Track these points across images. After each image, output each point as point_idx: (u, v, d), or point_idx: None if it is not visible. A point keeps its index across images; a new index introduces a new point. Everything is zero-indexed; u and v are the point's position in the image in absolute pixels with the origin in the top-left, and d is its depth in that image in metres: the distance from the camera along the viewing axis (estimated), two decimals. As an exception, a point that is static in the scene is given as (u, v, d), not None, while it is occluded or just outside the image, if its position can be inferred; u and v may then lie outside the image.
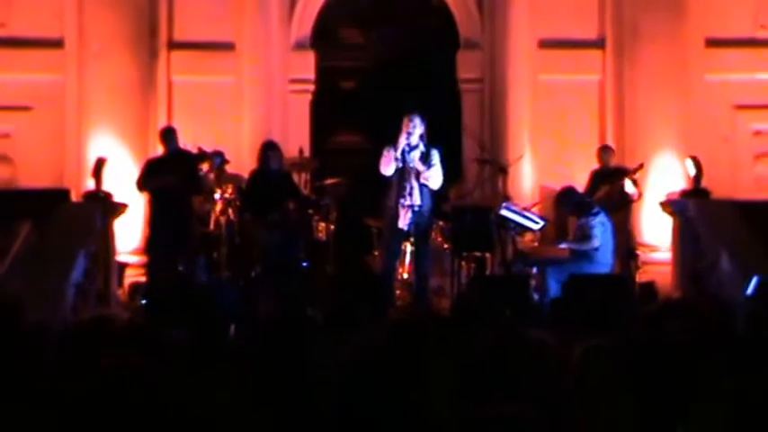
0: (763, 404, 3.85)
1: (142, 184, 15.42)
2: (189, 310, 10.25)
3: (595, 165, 16.69)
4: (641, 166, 16.32)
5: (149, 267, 15.53)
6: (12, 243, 14.59)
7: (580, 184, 16.05)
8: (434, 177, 13.67)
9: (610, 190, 15.95)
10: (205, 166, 15.58)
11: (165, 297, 12.42)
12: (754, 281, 12.55)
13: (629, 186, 16.09)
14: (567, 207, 15.27)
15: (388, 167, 13.65)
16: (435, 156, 13.73)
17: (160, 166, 15.37)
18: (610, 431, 4.19)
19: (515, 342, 5.08)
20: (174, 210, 15.13)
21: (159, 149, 16.05)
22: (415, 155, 13.64)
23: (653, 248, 16.57)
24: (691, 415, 4.14)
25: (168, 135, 15.70)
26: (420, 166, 13.62)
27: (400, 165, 13.61)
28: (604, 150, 16.77)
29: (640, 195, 16.30)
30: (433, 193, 13.90)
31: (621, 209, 15.93)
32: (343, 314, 8.00)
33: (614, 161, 16.63)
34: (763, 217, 15.61)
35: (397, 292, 14.58)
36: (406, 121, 13.71)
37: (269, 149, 15.20)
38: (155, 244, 15.45)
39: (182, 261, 15.29)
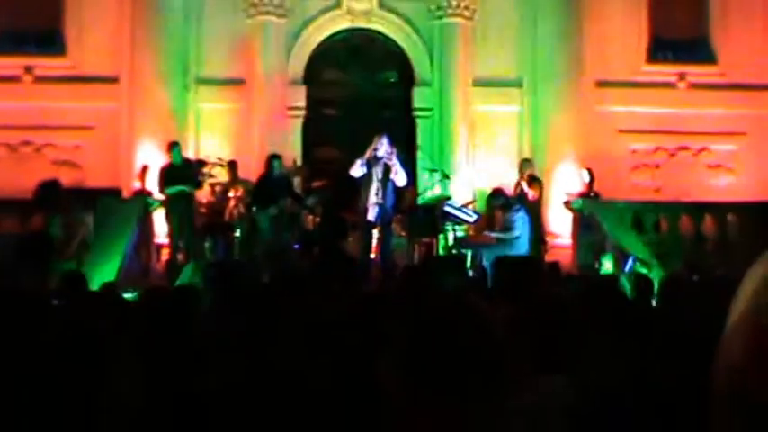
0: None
1: (163, 187, 15.23)
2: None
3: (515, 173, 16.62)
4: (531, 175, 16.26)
5: (170, 249, 15.35)
6: (80, 228, 14.62)
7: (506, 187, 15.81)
8: (401, 177, 13.65)
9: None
10: (207, 168, 15.54)
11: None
12: (630, 260, 12.78)
13: (525, 187, 15.97)
14: (498, 204, 14.96)
15: (355, 172, 13.67)
16: (396, 162, 13.69)
17: (172, 172, 15.14)
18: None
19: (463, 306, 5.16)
20: (182, 205, 15.02)
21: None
22: (379, 164, 13.61)
23: (557, 236, 16.54)
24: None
25: (174, 148, 15.49)
26: (380, 176, 13.60)
27: (366, 171, 13.61)
28: (524, 162, 16.63)
29: (535, 196, 16.02)
30: (395, 193, 13.85)
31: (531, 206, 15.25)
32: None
33: (531, 171, 16.41)
34: (639, 213, 15.79)
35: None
36: (375, 138, 13.72)
37: (273, 159, 15.16)
38: (171, 232, 15.30)
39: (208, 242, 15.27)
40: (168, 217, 15.26)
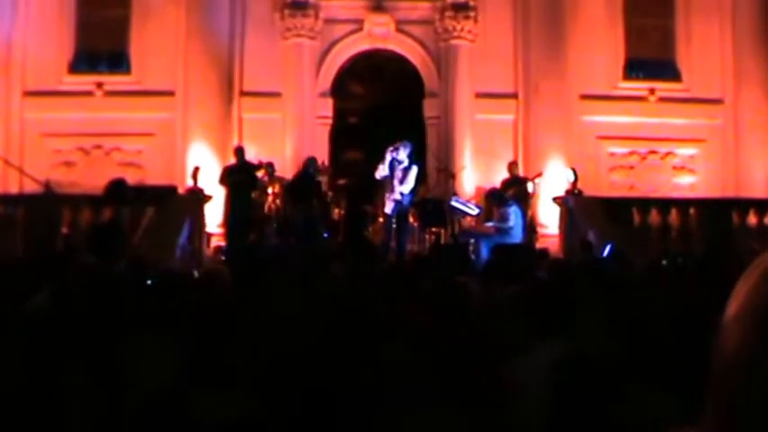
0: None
1: (223, 180, 15.26)
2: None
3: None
4: (540, 174, 16.29)
5: (227, 236, 15.27)
6: (142, 220, 14.59)
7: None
8: (406, 186, 13.34)
9: (517, 190, 15.57)
10: (261, 172, 15.45)
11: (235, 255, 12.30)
12: (608, 247, 12.65)
13: (530, 187, 15.90)
14: (493, 200, 14.85)
15: (378, 174, 13.50)
16: (413, 169, 13.43)
17: (233, 171, 15.20)
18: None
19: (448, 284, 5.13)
20: (240, 200, 14.97)
21: (232, 161, 15.70)
22: (399, 167, 13.39)
23: (547, 227, 16.43)
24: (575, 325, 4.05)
25: (239, 151, 15.54)
26: (400, 177, 13.37)
27: (387, 173, 13.39)
28: (512, 165, 16.43)
29: (535, 193, 16.05)
30: (410, 190, 13.56)
31: (525, 202, 15.32)
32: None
33: (519, 171, 16.34)
34: (615, 208, 15.70)
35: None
36: (397, 143, 13.52)
37: (309, 160, 15.06)
38: (230, 221, 15.19)
39: (253, 233, 15.09)
40: (227, 208, 15.29)
